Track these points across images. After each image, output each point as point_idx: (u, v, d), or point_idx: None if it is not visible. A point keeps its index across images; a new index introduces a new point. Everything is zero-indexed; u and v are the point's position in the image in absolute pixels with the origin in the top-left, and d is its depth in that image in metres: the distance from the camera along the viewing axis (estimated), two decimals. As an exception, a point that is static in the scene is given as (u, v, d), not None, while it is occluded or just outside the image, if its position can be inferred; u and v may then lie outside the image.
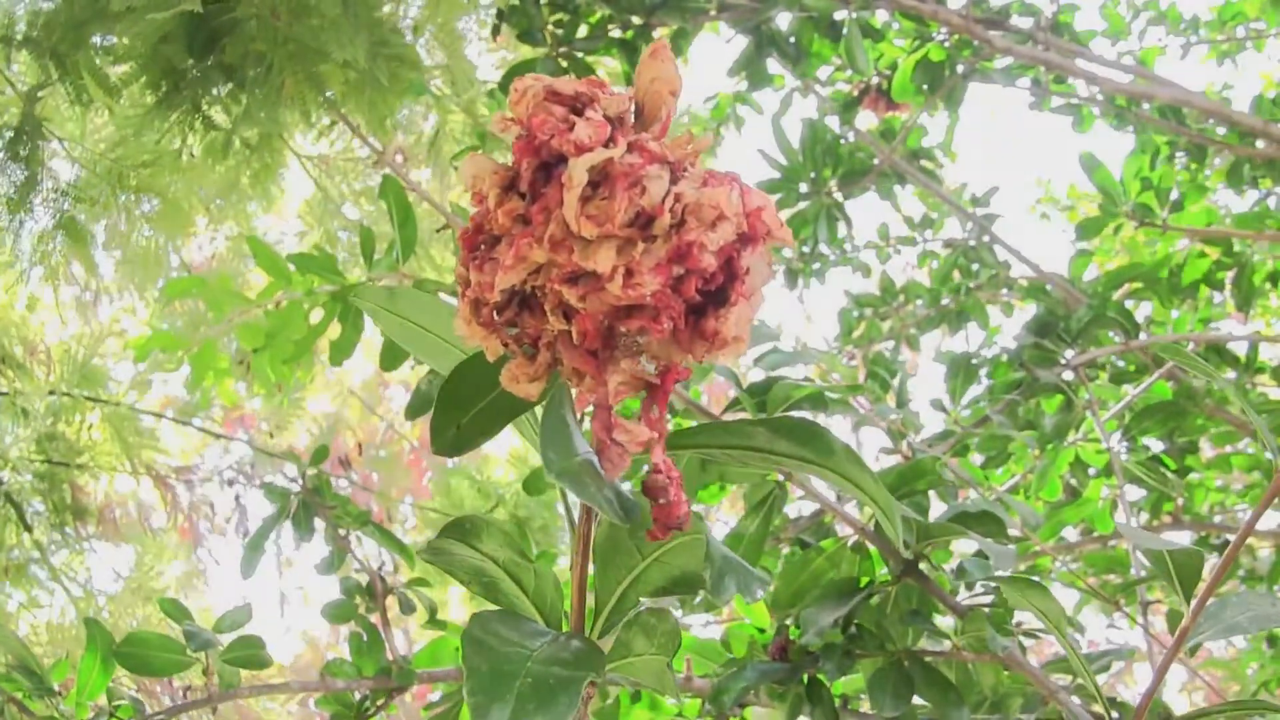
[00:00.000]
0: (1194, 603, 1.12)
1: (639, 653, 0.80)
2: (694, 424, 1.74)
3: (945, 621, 1.69)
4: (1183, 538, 3.26)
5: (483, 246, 0.68)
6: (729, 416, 1.72)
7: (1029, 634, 1.75)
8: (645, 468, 0.69)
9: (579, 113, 0.65)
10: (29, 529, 3.41)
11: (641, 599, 0.81)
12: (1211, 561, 3.11)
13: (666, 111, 0.68)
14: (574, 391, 0.70)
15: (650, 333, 0.65)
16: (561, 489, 0.79)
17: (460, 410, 0.74)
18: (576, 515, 0.78)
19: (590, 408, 0.69)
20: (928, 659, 1.62)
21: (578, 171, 0.62)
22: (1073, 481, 2.74)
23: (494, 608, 0.79)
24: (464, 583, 0.80)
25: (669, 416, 1.32)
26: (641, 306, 0.64)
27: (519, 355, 0.69)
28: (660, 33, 2.86)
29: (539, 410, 0.73)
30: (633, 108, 0.68)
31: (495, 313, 0.68)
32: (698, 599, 1.67)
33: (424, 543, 0.79)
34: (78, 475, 3.47)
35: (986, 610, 1.58)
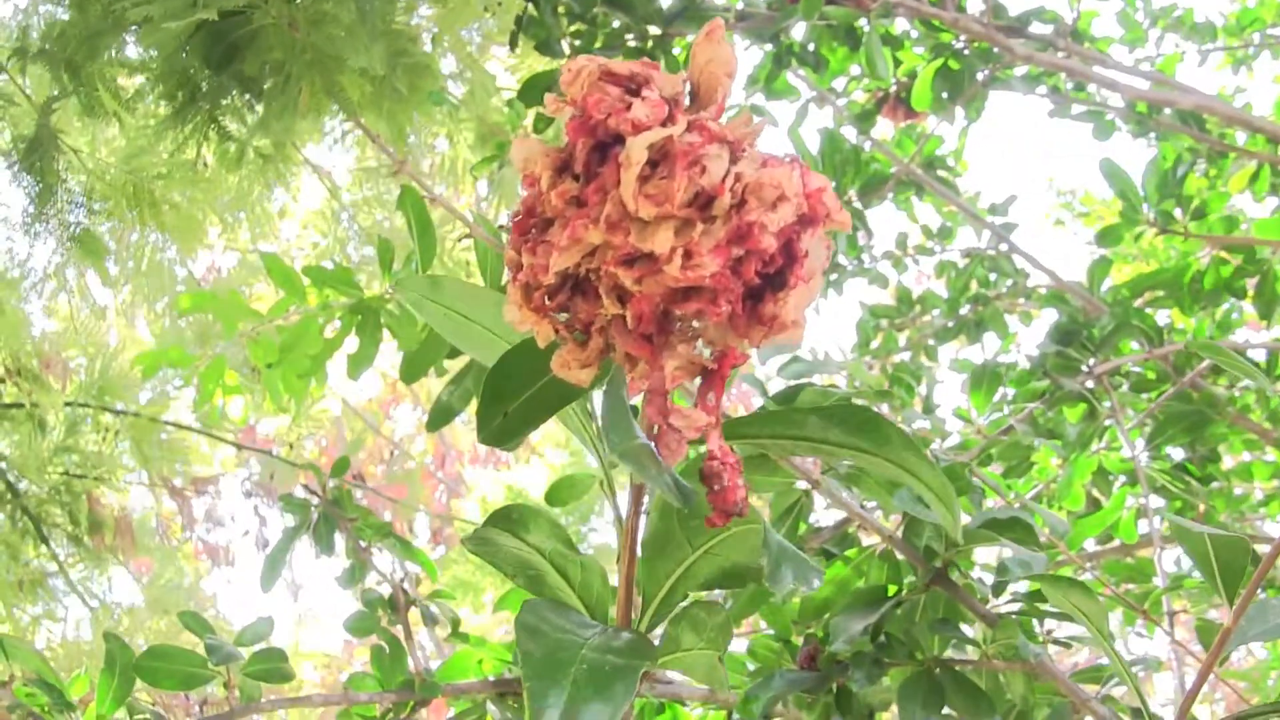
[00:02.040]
0: (1236, 604, 1.10)
1: (688, 647, 0.78)
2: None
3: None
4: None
5: (534, 230, 0.67)
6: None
7: (1057, 643, 1.74)
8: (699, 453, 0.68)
9: (635, 92, 0.64)
10: (46, 542, 3.40)
11: (690, 592, 0.79)
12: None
13: (722, 93, 0.67)
14: (626, 376, 0.68)
15: (707, 316, 0.64)
16: (604, 482, 0.77)
17: (507, 399, 0.73)
18: (624, 509, 0.76)
19: (642, 394, 0.68)
20: (958, 667, 1.61)
21: (637, 150, 0.60)
22: (1094, 491, 2.72)
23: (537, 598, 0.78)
24: (508, 575, 0.78)
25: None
26: (699, 289, 0.63)
27: (570, 341, 0.68)
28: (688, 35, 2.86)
29: (585, 400, 0.72)
30: (687, 89, 0.67)
31: (547, 297, 0.67)
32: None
33: (470, 534, 0.78)
34: (94, 487, 3.46)
35: (1016, 618, 1.57)
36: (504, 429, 0.72)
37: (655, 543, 0.79)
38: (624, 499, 0.76)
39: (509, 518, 0.78)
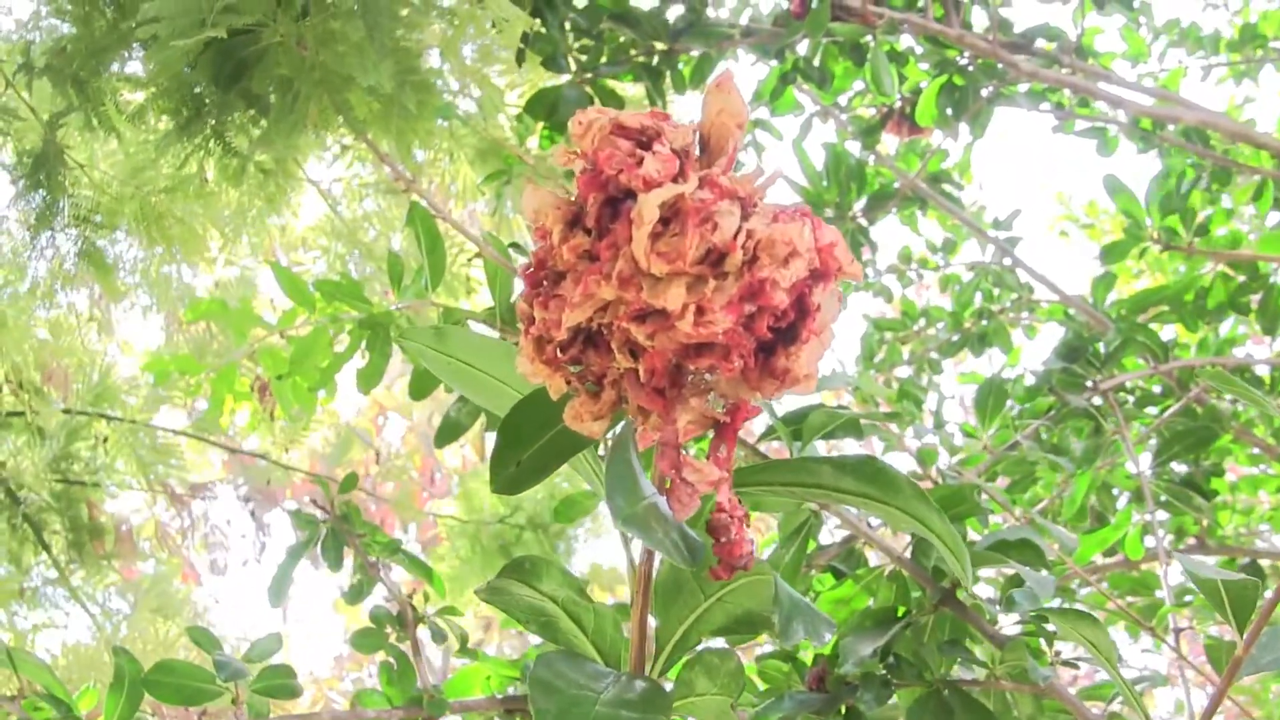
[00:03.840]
0: (1247, 633, 1.11)
1: (701, 692, 0.79)
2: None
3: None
4: (1208, 561, 3.24)
5: (546, 282, 0.67)
6: (765, 445, 1.71)
7: (1066, 664, 1.74)
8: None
9: (646, 146, 0.64)
10: (47, 549, 3.41)
11: (703, 638, 0.80)
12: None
13: (733, 145, 0.67)
14: (637, 429, 0.68)
15: (720, 371, 0.64)
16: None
17: (520, 447, 0.73)
18: (636, 554, 0.76)
19: (655, 444, 0.68)
20: (966, 688, 1.61)
21: (649, 208, 0.60)
22: (1097, 506, 2.72)
23: (555, 647, 0.78)
24: (522, 622, 0.79)
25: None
26: (712, 344, 0.63)
27: (583, 393, 0.68)
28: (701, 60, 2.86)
29: (599, 447, 0.72)
30: (698, 140, 0.67)
31: (559, 350, 0.67)
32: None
33: (484, 585, 0.78)
34: (93, 494, 3.47)
35: (1025, 640, 1.57)
36: (517, 478, 0.73)
37: (668, 589, 0.80)
38: (638, 544, 0.77)
39: (522, 568, 0.78)
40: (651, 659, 0.79)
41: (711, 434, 0.68)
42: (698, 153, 0.67)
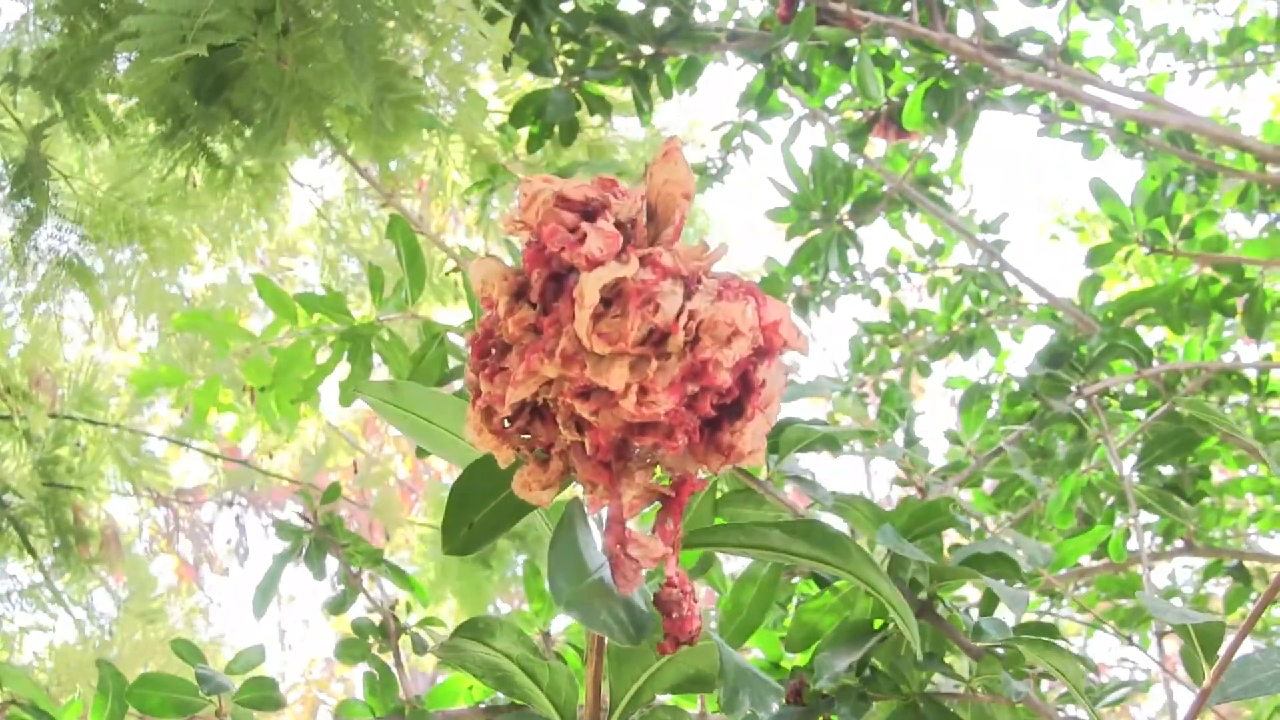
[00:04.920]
0: (1218, 663, 1.12)
1: (654, 751, 0.79)
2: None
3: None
4: (1195, 563, 3.25)
5: (493, 352, 0.67)
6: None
7: (1045, 674, 1.74)
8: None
9: (590, 219, 0.64)
10: (33, 552, 3.41)
11: (656, 695, 0.80)
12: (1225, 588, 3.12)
13: (680, 214, 0.67)
14: (586, 498, 0.69)
15: (664, 449, 0.64)
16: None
17: (472, 509, 0.73)
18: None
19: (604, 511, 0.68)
20: (943, 701, 1.61)
21: (590, 290, 0.61)
22: (1084, 508, 2.73)
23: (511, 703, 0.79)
24: (478, 677, 0.79)
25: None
26: (655, 423, 0.63)
27: (532, 462, 0.68)
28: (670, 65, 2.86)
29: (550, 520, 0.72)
30: (645, 209, 0.67)
31: (507, 420, 0.67)
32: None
33: (438, 645, 0.79)
34: (79, 498, 3.48)
35: (1001, 653, 1.57)
36: (469, 540, 0.73)
37: (621, 648, 0.80)
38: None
39: (475, 627, 0.78)
40: (605, 715, 0.79)
41: (660, 506, 0.68)
42: (645, 221, 0.67)
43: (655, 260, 0.63)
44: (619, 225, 0.65)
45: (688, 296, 0.63)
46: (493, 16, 2.27)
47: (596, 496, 0.67)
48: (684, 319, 0.62)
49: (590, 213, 0.65)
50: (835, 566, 0.71)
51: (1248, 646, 1.15)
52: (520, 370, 0.63)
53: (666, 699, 0.82)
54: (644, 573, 0.66)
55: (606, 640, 0.77)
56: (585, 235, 0.63)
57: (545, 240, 0.64)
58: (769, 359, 0.65)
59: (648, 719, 0.80)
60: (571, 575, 0.64)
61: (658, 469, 0.67)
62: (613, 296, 0.62)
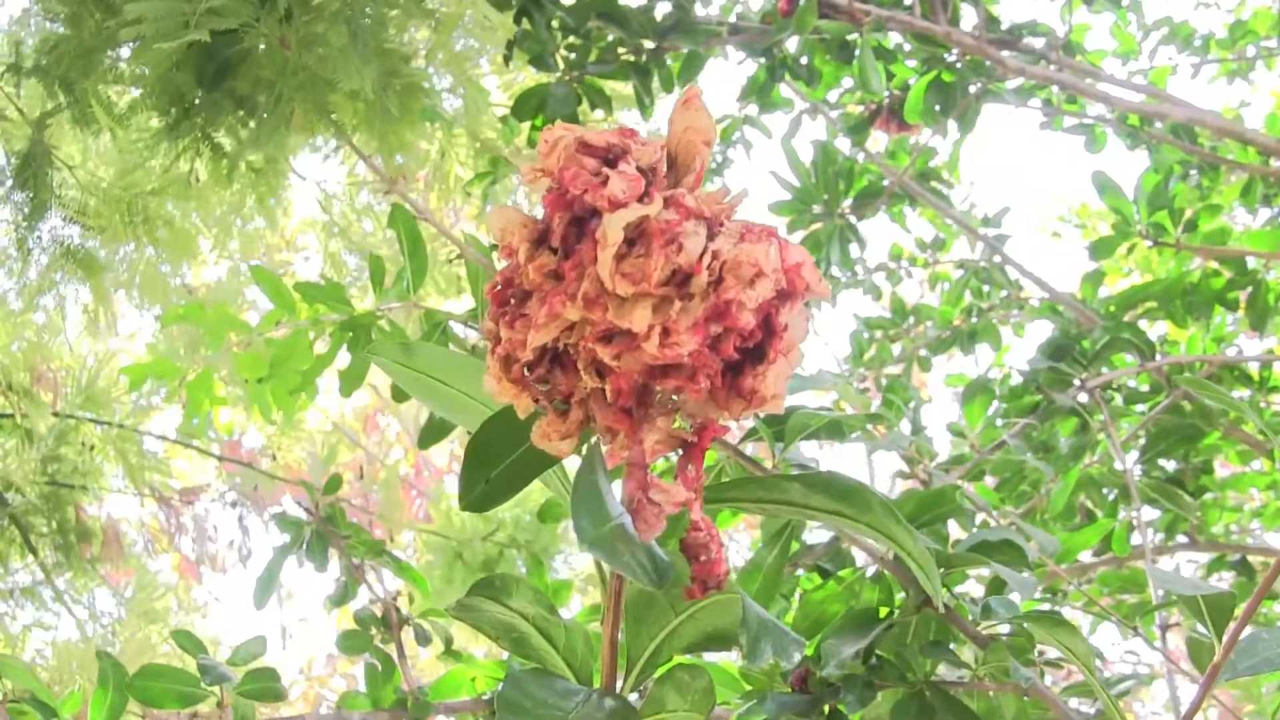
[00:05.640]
0: (1225, 639, 1.11)
1: (672, 709, 0.78)
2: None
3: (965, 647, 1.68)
4: (1199, 558, 3.24)
5: (513, 301, 0.66)
6: (747, 447, 1.71)
7: (1051, 664, 1.74)
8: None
9: (611, 164, 0.64)
10: (34, 551, 3.40)
11: (675, 654, 0.79)
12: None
13: (700, 162, 0.66)
14: (605, 448, 0.68)
15: (687, 392, 0.64)
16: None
17: (488, 465, 0.73)
18: (608, 570, 0.76)
19: (623, 462, 0.68)
20: (950, 689, 1.61)
21: (613, 230, 0.60)
22: (1088, 503, 2.72)
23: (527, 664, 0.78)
24: (493, 638, 0.78)
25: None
26: (678, 365, 0.62)
27: (551, 412, 0.68)
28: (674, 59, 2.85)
29: (568, 464, 0.72)
30: (665, 157, 0.67)
31: (526, 369, 0.66)
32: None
33: (455, 603, 0.78)
34: (81, 497, 3.46)
35: (1007, 640, 1.57)
36: (486, 496, 0.72)
37: (639, 606, 0.79)
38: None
39: (492, 585, 0.78)
40: (623, 674, 0.79)
41: (680, 453, 0.68)
42: (665, 170, 0.67)
43: (679, 201, 0.62)
44: (640, 171, 0.64)
45: (711, 237, 0.62)
46: (499, 5, 2.26)
47: (616, 446, 0.66)
48: (707, 259, 0.61)
49: (611, 159, 0.64)
50: (854, 519, 0.70)
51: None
52: (542, 314, 0.63)
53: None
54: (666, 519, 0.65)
55: (624, 598, 0.76)
56: (607, 178, 0.62)
57: (567, 184, 0.63)
58: (792, 302, 0.64)
59: (666, 679, 0.79)
60: (595, 517, 0.63)
61: (677, 417, 0.67)
62: (636, 236, 0.61)
